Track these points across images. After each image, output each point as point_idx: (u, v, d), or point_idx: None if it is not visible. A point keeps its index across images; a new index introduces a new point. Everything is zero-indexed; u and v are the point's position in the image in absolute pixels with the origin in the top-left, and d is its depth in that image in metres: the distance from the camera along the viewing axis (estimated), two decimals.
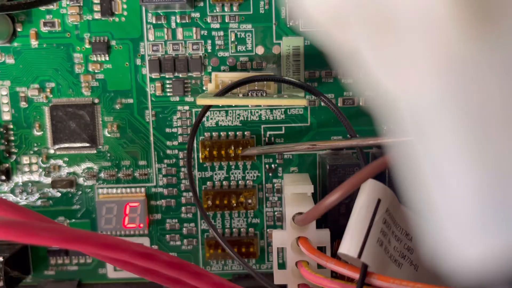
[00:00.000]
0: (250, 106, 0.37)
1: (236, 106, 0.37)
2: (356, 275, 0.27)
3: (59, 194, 0.38)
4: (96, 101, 0.37)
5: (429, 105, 0.13)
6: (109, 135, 0.37)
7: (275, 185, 0.38)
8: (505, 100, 0.13)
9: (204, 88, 0.37)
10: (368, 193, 0.27)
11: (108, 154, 0.37)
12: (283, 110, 0.37)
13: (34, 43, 0.36)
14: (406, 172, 0.15)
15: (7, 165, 0.37)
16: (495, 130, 0.13)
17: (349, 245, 0.26)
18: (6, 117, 0.37)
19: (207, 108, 0.34)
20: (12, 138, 0.37)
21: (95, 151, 0.37)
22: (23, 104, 0.37)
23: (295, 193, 0.33)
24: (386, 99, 0.15)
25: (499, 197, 0.14)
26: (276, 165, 0.37)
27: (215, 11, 0.36)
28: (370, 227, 0.26)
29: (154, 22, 0.36)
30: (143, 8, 0.36)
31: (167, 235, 0.38)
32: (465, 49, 0.13)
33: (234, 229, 0.38)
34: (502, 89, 0.13)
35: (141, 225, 0.37)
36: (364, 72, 0.15)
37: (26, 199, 0.38)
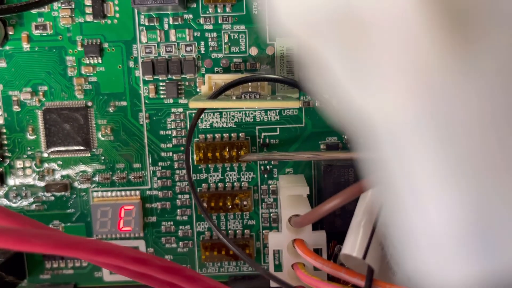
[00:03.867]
0: (244, 107, 0.36)
1: (230, 108, 0.37)
2: (352, 279, 0.27)
3: (53, 198, 0.38)
4: (90, 104, 0.37)
5: (404, 122, 0.13)
6: (103, 138, 0.37)
7: (270, 186, 0.37)
8: (481, 117, 0.13)
9: (198, 90, 0.36)
10: (371, 197, 0.27)
11: (102, 157, 0.37)
12: (277, 111, 0.37)
13: (26, 46, 0.36)
14: (385, 194, 0.15)
15: (1, 169, 0.37)
16: (473, 148, 0.13)
17: (353, 246, 0.26)
18: None
19: (201, 111, 0.34)
20: (5, 142, 0.37)
21: (89, 154, 0.37)
22: (15, 108, 0.36)
23: (291, 195, 0.33)
24: (360, 115, 0.14)
25: (479, 221, 0.13)
26: (271, 166, 0.37)
27: (208, 12, 0.36)
28: (374, 229, 0.26)
29: (146, 24, 0.36)
30: (135, 10, 0.35)
31: (163, 238, 0.38)
32: (441, 66, 0.13)
33: (229, 231, 0.38)
34: (479, 107, 0.13)
35: (137, 228, 0.37)
36: (335, 85, 0.14)
37: (20, 203, 0.38)
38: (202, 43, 0.36)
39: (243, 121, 0.37)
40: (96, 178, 0.37)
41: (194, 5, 0.35)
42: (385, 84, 0.13)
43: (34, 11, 0.35)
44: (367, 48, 0.13)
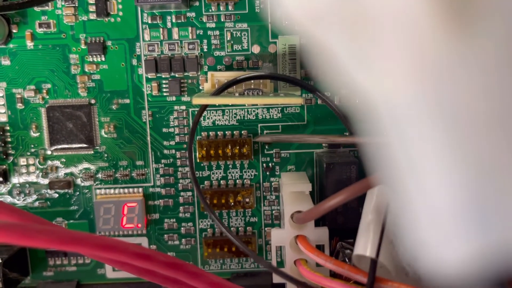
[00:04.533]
0: (246, 105, 0.37)
1: (232, 105, 0.37)
2: (355, 276, 0.27)
3: (56, 195, 0.38)
4: (93, 101, 0.37)
5: (407, 104, 0.13)
6: (106, 136, 0.37)
7: (272, 183, 0.38)
8: (483, 98, 0.13)
9: (200, 88, 0.37)
10: (378, 196, 0.27)
11: (105, 155, 0.37)
12: (279, 108, 0.37)
13: (29, 44, 0.36)
14: (386, 172, 0.15)
15: (4, 166, 0.37)
16: (474, 129, 0.13)
17: (365, 246, 0.26)
18: (3, 118, 0.37)
19: (204, 107, 0.34)
20: (9, 139, 0.37)
21: (92, 152, 0.37)
22: (19, 106, 0.37)
23: (293, 191, 0.33)
24: (364, 99, 0.14)
25: (477, 199, 0.14)
26: (273, 163, 0.37)
27: (210, 10, 0.36)
28: (384, 228, 0.26)
29: (149, 22, 0.36)
30: (139, 8, 0.36)
31: (165, 235, 0.38)
32: (442, 48, 0.13)
33: (232, 228, 0.38)
34: (480, 87, 0.13)
35: (139, 225, 0.37)
36: (342, 72, 0.15)
37: (23, 200, 0.38)
38: (205, 41, 0.36)
39: (245, 118, 0.37)
40: (99, 176, 0.38)
41: (197, 3, 0.36)
42: (388, 67, 0.13)
43: (38, 9, 0.36)
44: (370, 32, 0.13)
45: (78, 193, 0.38)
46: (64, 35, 0.36)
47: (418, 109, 0.13)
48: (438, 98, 0.13)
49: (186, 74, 0.36)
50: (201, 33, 0.36)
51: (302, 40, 0.36)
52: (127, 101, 0.37)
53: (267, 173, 0.38)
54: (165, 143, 0.37)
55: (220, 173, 0.38)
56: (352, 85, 0.14)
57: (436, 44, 0.13)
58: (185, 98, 0.37)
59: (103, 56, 0.36)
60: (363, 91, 0.14)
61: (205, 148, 0.36)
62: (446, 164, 0.14)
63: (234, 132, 0.37)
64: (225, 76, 0.34)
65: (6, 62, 0.36)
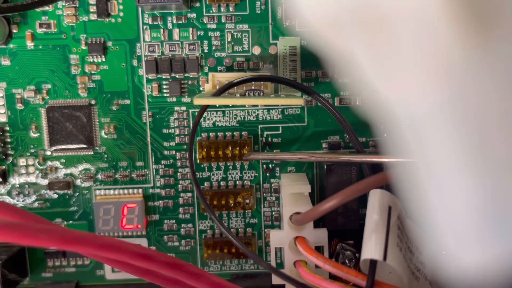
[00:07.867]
0: (247, 106, 0.37)
1: (233, 106, 0.37)
2: (353, 278, 0.27)
3: (56, 196, 0.38)
4: (93, 102, 0.37)
5: (427, 112, 0.13)
6: (106, 136, 0.37)
7: (272, 185, 0.38)
8: (505, 107, 0.13)
9: (201, 89, 0.37)
10: (379, 200, 0.27)
11: (105, 155, 0.37)
12: (280, 110, 0.37)
13: (30, 44, 0.36)
14: (406, 180, 0.15)
15: (4, 167, 0.37)
16: (494, 138, 0.13)
17: (372, 250, 0.25)
18: (2, 119, 0.37)
19: (204, 108, 0.34)
20: (9, 140, 0.37)
21: (92, 153, 0.37)
22: (19, 106, 0.37)
23: (293, 193, 0.33)
24: (384, 105, 0.14)
25: (497, 205, 0.14)
26: (273, 165, 0.37)
27: (211, 11, 0.36)
28: (388, 230, 0.26)
29: (150, 22, 0.36)
30: (139, 9, 0.36)
31: (165, 236, 0.38)
32: (462, 55, 0.13)
33: (232, 229, 0.38)
34: (501, 95, 0.13)
35: (139, 226, 0.37)
36: (360, 77, 0.15)
37: (23, 201, 0.38)
38: (206, 42, 0.36)
39: (246, 119, 0.37)
40: (99, 176, 0.38)
41: (198, 4, 0.36)
42: (407, 74, 0.13)
43: (39, 9, 0.36)
44: (389, 39, 0.13)
45: (77, 193, 0.38)
46: (64, 36, 0.36)
47: (440, 117, 0.13)
48: (459, 106, 0.13)
49: (186, 75, 0.36)
50: (201, 34, 0.36)
51: (303, 41, 0.36)
52: (127, 101, 0.37)
53: (267, 174, 0.38)
54: (165, 144, 0.37)
55: (220, 174, 0.38)
56: (372, 92, 0.14)
57: (457, 52, 0.13)
58: (186, 99, 0.37)
59: (103, 56, 0.36)
60: (382, 98, 0.14)
61: (205, 149, 0.36)
62: (466, 170, 0.14)
63: (235, 133, 0.37)
64: (225, 77, 0.34)
65: (6, 62, 0.36)
